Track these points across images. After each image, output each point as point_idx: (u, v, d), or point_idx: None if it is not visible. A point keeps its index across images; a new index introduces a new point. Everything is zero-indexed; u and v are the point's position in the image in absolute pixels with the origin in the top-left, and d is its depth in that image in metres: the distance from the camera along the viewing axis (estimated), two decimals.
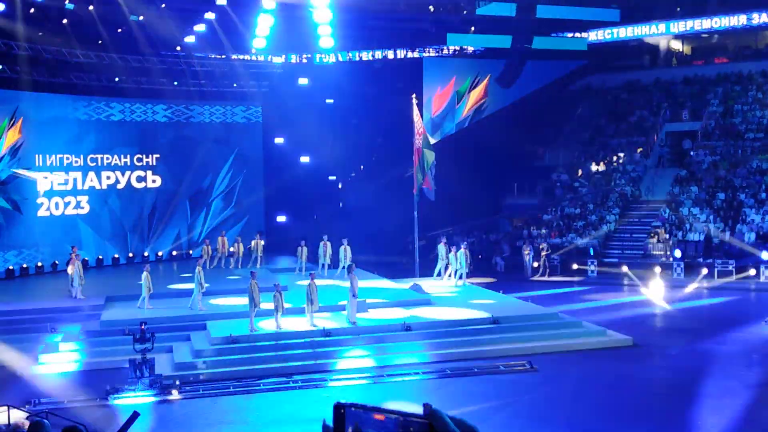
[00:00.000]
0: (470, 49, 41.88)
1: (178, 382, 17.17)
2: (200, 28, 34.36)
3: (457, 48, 41.64)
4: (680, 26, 42.48)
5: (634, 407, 15.49)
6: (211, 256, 29.96)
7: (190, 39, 34.94)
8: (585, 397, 16.34)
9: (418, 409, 1.97)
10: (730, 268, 30.87)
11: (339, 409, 2.06)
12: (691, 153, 38.63)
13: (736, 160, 37.05)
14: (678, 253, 32.21)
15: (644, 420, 14.68)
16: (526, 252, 33.59)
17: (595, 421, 14.83)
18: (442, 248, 27.85)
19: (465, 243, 28.93)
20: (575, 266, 33.24)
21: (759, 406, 15.14)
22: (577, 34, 42.39)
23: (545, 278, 32.61)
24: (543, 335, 21.00)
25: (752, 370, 17.79)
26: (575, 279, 32.21)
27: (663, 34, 43.54)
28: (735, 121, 39.16)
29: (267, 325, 20.15)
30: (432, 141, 32.27)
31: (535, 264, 33.54)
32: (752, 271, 30.28)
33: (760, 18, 40.65)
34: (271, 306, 19.82)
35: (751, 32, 43.23)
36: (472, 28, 40.20)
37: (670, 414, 14.95)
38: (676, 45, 46.67)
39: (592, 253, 33.72)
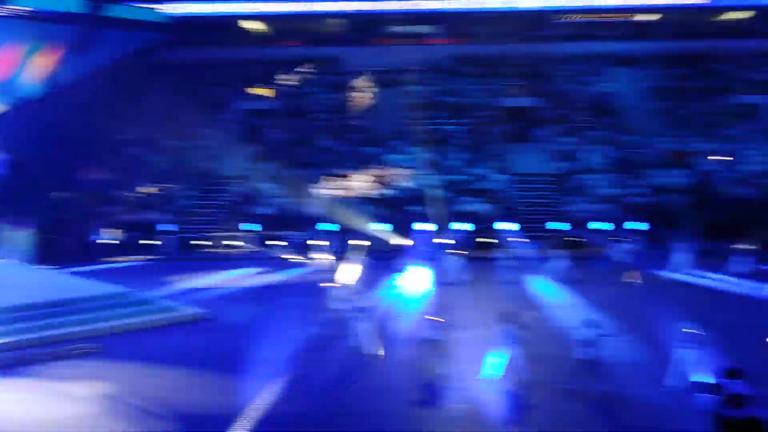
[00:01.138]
0: (31, 10, 38.44)
1: None
2: None
3: (22, 9, 37.98)
4: (260, 7, 44.03)
5: (199, 377, 15.55)
6: None
7: None
8: (152, 374, 15.99)
9: None
10: (298, 241, 32.75)
11: None
12: (264, 131, 40.27)
13: (305, 138, 39.49)
14: (252, 227, 33.37)
15: (205, 389, 14.78)
16: (102, 229, 32.23)
17: (158, 396, 14.54)
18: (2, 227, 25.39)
19: (25, 222, 26.74)
20: (148, 242, 32.67)
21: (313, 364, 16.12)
22: (155, 6, 41.50)
23: (117, 257, 31.58)
24: (111, 315, 20.08)
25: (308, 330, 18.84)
26: (150, 256, 31.66)
27: (244, 14, 44.67)
28: (306, 102, 41.68)
29: None
30: None
31: (111, 241, 32.36)
32: (367, 243, 30.91)
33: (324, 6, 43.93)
34: None
35: (318, 19, 46.24)
36: None
37: (229, 382, 15.24)
38: (254, 25, 48.10)
39: (165, 228, 33.37)
